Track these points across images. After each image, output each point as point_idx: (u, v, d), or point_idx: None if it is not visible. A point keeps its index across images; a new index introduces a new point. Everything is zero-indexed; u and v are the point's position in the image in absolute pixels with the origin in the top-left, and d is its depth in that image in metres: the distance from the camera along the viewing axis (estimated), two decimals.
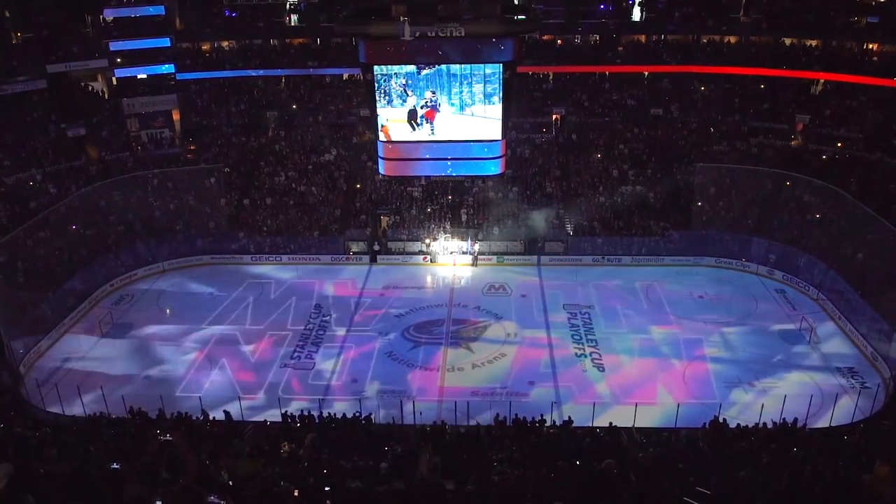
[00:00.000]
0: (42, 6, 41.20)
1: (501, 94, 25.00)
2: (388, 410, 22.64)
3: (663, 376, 25.89)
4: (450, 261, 35.77)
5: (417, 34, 22.15)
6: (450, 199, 38.30)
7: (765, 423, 19.57)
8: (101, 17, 42.17)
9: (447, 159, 27.06)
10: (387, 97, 25.15)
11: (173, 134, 42.19)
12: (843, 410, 22.49)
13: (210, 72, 43.83)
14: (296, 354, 27.84)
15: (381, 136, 25.96)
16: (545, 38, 44.35)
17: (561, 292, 32.60)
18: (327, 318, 30.65)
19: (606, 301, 31.65)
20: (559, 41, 45.05)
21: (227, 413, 21.17)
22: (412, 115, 25.44)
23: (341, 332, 29.52)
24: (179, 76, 42.41)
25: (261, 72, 43.86)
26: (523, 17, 25.88)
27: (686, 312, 30.47)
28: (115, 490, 7.42)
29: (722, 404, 22.85)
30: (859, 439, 18.47)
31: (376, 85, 24.83)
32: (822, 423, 21.44)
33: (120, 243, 34.98)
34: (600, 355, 27.37)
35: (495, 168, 27.86)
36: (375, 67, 24.49)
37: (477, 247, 35.83)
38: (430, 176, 34.83)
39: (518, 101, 37.27)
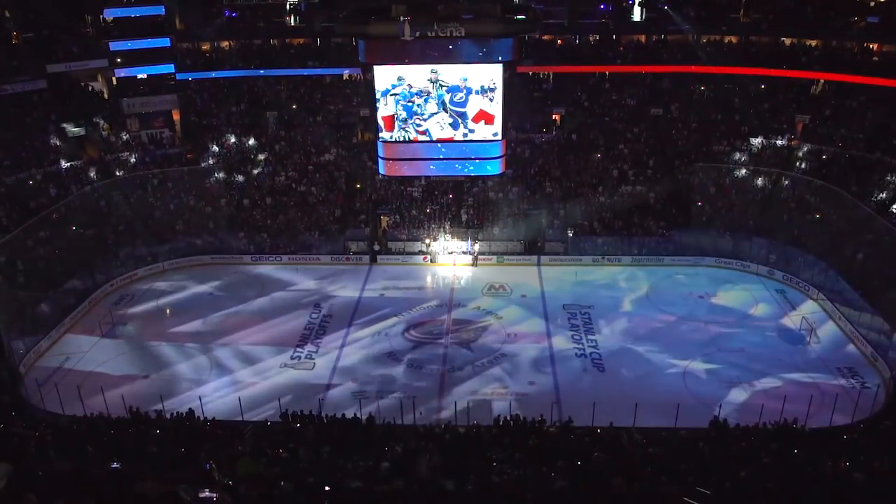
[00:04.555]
0: (42, 6, 41.16)
1: (501, 94, 25.05)
2: (388, 410, 22.61)
3: (663, 376, 25.90)
4: (450, 261, 35.77)
5: (417, 34, 22.18)
6: (450, 199, 38.30)
7: (765, 423, 19.56)
8: (101, 17, 42.12)
9: (447, 159, 27.10)
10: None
11: (173, 134, 42.19)
12: (843, 410, 22.48)
13: (210, 72, 43.79)
14: (295, 354, 27.83)
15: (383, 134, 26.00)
16: (545, 38, 44.33)
17: (561, 292, 32.60)
18: (327, 318, 30.65)
19: (606, 301, 31.65)
20: (559, 41, 45.02)
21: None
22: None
23: (341, 332, 29.50)
24: (179, 76, 42.38)
25: (261, 72, 43.82)
26: (523, 17, 25.90)
27: (686, 312, 30.47)
28: (114, 489, 7.43)
29: (722, 404, 22.86)
30: (859, 439, 18.48)
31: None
32: (822, 423, 21.42)
33: (120, 243, 34.99)
34: (600, 355, 27.37)
35: (495, 168, 27.88)
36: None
37: (477, 247, 35.82)
38: (430, 176, 34.84)
39: (518, 101, 37.31)
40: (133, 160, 38.43)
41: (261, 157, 40.02)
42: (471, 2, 24.08)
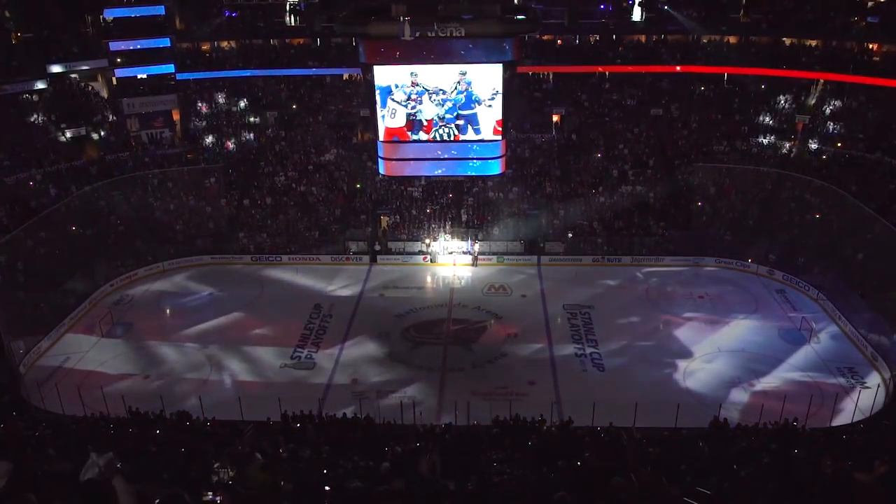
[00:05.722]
0: (42, 6, 41.18)
1: (501, 94, 25.05)
2: (388, 410, 22.61)
3: (663, 376, 25.89)
4: (450, 261, 35.76)
5: (417, 34, 22.16)
6: (450, 199, 38.30)
7: (765, 423, 19.57)
8: (101, 17, 42.18)
9: (447, 159, 27.09)
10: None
11: (173, 134, 42.20)
12: (843, 410, 22.48)
13: (210, 72, 43.86)
14: (296, 354, 27.83)
15: (382, 136, 26.01)
16: (545, 38, 44.36)
17: (561, 292, 32.57)
18: (327, 318, 30.65)
19: (606, 301, 31.64)
20: (559, 41, 45.05)
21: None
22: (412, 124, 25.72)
23: (341, 332, 29.50)
24: (179, 76, 42.44)
25: (261, 72, 43.89)
26: (523, 17, 25.90)
27: (686, 312, 30.46)
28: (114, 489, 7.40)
29: (722, 404, 22.84)
30: (859, 439, 18.48)
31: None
32: (822, 423, 21.44)
33: (120, 243, 34.99)
34: (600, 355, 27.36)
35: (495, 168, 27.85)
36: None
37: (477, 247, 35.81)
38: (430, 176, 34.85)
39: (518, 101, 37.33)
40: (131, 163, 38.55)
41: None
42: (471, 2, 24.06)
